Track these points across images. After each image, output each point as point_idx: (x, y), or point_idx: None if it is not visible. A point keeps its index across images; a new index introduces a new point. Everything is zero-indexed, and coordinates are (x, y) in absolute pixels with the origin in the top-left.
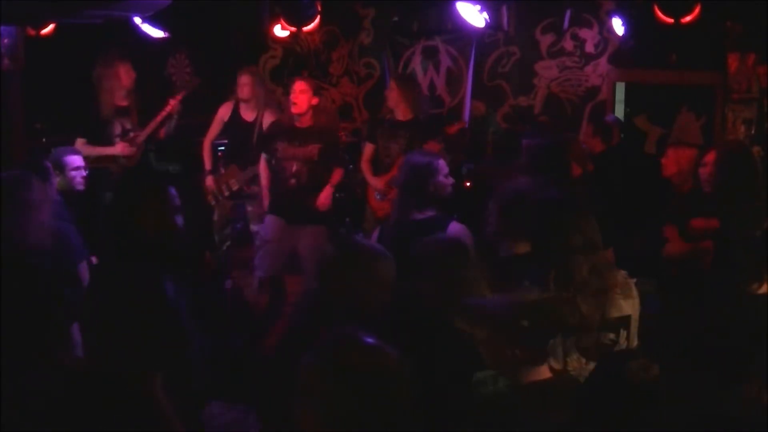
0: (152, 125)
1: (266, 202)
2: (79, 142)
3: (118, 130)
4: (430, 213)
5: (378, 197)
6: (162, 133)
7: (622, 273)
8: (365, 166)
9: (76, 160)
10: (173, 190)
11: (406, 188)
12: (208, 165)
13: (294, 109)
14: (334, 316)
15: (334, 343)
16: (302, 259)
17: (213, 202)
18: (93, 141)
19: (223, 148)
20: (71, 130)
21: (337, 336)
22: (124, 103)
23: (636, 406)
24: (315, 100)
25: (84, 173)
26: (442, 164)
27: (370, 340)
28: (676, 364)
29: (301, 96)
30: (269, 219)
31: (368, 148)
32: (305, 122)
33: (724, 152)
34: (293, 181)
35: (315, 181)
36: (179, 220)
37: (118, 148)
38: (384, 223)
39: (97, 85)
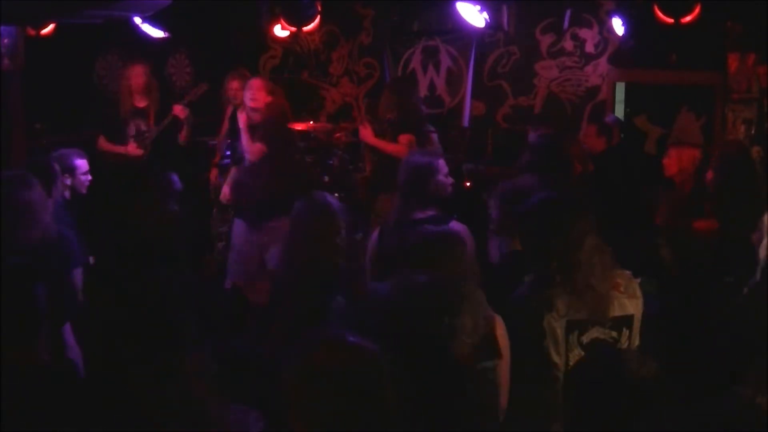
0: (160, 128)
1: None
2: (102, 139)
3: (132, 130)
4: (430, 212)
5: None
6: (182, 137)
7: (627, 273)
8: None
9: (84, 164)
10: (174, 176)
11: (407, 188)
12: (218, 158)
13: (252, 104)
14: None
15: (317, 343)
16: (267, 267)
17: (212, 197)
18: (111, 139)
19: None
20: (71, 130)
21: (320, 336)
22: (142, 105)
23: (635, 403)
24: (269, 99)
25: (89, 177)
26: (441, 163)
27: (352, 338)
28: (674, 364)
29: (258, 93)
30: (235, 223)
31: None
32: (257, 119)
33: (722, 153)
34: (246, 177)
35: (266, 175)
36: (173, 206)
37: (129, 149)
38: (384, 223)
39: (118, 86)
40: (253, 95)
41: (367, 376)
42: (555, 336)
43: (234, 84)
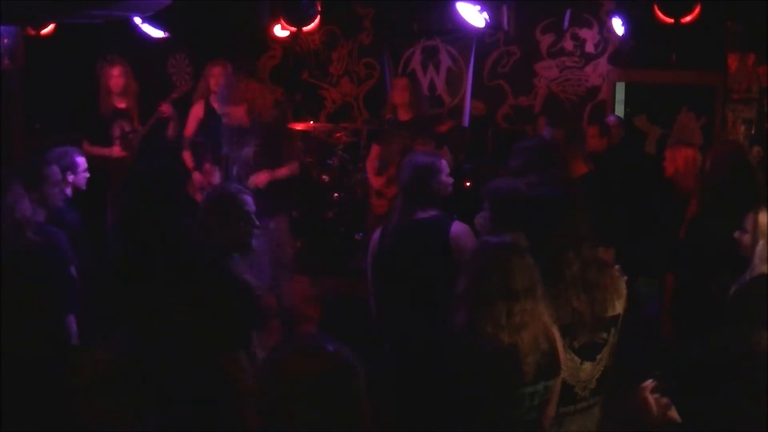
0: (146, 128)
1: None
2: (85, 144)
3: (117, 132)
4: (432, 213)
5: (377, 194)
6: (170, 132)
7: (615, 269)
8: (370, 166)
9: (83, 161)
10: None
11: (410, 188)
12: (190, 163)
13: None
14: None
15: (293, 349)
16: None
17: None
18: (94, 141)
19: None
20: (72, 130)
21: (297, 342)
22: (122, 106)
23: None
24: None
25: (87, 174)
26: (443, 164)
27: (331, 346)
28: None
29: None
30: None
31: (374, 149)
32: (244, 122)
33: (714, 153)
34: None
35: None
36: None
37: (114, 150)
38: (385, 223)
39: (97, 87)
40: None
41: (343, 386)
42: None
43: (213, 70)
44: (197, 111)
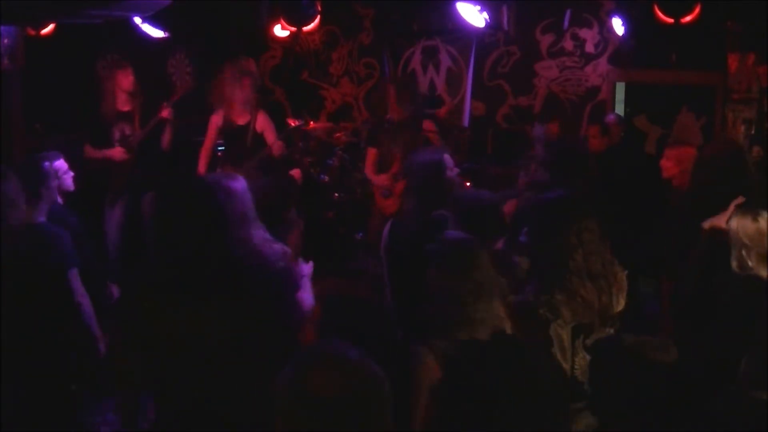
0: (146, 130)
1: None
2: (87, 147)
3: (117, 134)
4: (442, 210)
5: (384, 194)
6: (165, 141)
7: (616, 264)
8: (370, 170)
9: (63, 164)
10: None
11: (422, 186)
12: (203, 169)
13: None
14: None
15: (315, 359)
16: None
17: None
18: (95, 144)
19: (222, 148)
20: (72, 130)
21: (319, 351)
22: (126, 108)
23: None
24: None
25: (72, 174)
26: (448, 158)
27: (354, 355)
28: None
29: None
30: None
31: (371, 153)
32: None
33: (704, 152)
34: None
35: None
36: None
37: (115, 153)
38: (395, 219)
39: (100, 89)
40: None
41: (367, 400)
42: (562, 343)
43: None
44: (216, 120)
